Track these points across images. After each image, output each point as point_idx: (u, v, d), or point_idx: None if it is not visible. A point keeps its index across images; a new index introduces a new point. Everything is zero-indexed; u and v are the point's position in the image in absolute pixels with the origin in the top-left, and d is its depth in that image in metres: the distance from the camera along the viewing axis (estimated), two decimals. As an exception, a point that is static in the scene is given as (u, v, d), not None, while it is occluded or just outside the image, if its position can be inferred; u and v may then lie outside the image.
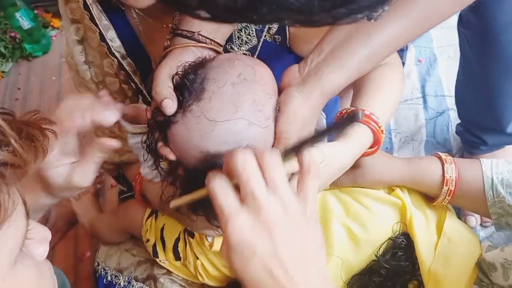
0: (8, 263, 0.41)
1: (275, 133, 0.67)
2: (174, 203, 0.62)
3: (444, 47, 1.63)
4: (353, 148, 0.74)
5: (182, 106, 0.66)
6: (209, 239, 0.92)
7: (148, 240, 1.04)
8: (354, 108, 0.78)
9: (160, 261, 1.02)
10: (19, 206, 0.42)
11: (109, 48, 0.89)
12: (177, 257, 0.99)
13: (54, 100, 1.91)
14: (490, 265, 0.80)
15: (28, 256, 0.45)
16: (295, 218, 0.51)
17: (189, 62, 0.70)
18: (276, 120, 0.67)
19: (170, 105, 0.65)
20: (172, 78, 0.69)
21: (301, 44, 0.86)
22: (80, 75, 0.98)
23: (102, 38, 0.88)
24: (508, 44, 0.98)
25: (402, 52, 1.50)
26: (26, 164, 0.42)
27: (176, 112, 0.66)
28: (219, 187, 0.52)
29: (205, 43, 0.74)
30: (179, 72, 0.69)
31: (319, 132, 0.54)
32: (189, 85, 0.67)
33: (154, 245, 1.02)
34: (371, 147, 0.77)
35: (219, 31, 0.76)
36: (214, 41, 0.75)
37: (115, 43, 0.89)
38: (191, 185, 0.67)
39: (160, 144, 0.70)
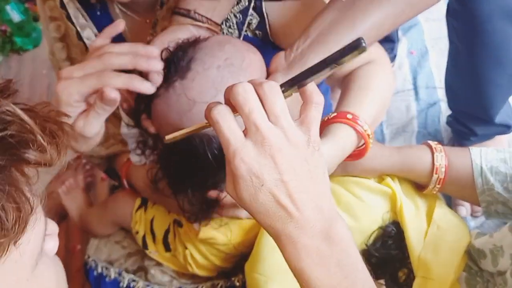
0: (30, 263, 0.41)
1: None
2: (168, 137, 0.61)
3: (435, 39, 1.63)
4: (332, 148, 0.73)
5: (166, 81, 0.67)
6: (195, 226, 0.92)
7: (137, 232, 1.03)
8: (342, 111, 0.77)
9: (149, 252, 1.02)
10: (39, 205, 0.42)
11: (86, 46, 0.89)
12: (167, 248, 0.99)
13: (45, 93, 1.90)
14: (479, 252, 0.80)
15: (45, 255, 0.45)
16: (298, 146, 0.52)
17: (182, 39, 0.71)
18: None
19: (155, 77, 0.67)
20: (161, 52, 0.69)
21: (283, 38, 0.86)
22: None
23: (79, 36, 0.88)
24: (493, 32, 0.99)
25: (393, 43, 1.50)
26: (52, 163, 0.41)
27: (160, 86, 0.68)
28: (224, 119, 0.52)
29: (201, 21, 0.74)
30: (170, 48, 0.70)
31: (317, 63, 0.53)
32: (176, 62, 0.68)
33: (144, 237, 1.02)
34: (359, 152, 0.77)
35: (216, 10, 0.76)
36: (211, 20, 0.76)
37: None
38: (171, 160, 0.68)
39: (143, 115, 0.72)
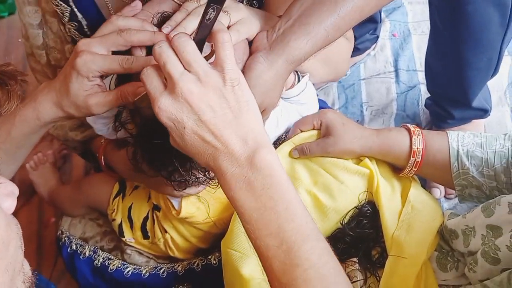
0: None
1: None
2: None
3: (419, 22, 1.63)
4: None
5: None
6: (176, 205, 0.92)
7: (114, 220, 1.02)
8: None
9: (126, 240, 1.01)
10: None
11: (68, 34, 0.87)
12: (145, 235, 0.99)
13: (20, 61, 1.85)
14: (451, 232, 0.82)
15: None
16: (214, 86, 0.57)
17: (166, 12, 0.71)
18: None
19: (138, 50, 0.70)
20: None
21: (275, 10, 0.85)
22: (36, 57, 0.95)
23: (70, 19, 0.85)
24: (475, 14, 0.99)
25: (376, 24, 1.50)
26: (0, 104, 0.46)
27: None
28: (147, 76, 0.59)
29: None
30: (155, 21, 0.71)
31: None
32: None
33: (120, 225, 1.01)
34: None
35: None
36: None
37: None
38: (149, 139, 0.68)
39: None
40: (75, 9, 0.84)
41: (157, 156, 0.74)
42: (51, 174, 1.38)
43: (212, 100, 0.57)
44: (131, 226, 1.01)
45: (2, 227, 0.45)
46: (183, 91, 0.56)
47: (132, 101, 0.71)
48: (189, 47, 0.58)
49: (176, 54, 0.58)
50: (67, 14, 0.85)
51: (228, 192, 0.58)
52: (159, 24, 0.70)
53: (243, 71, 0.68)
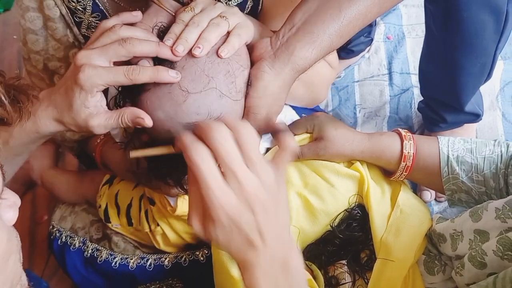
0: None
1: (244, 107, 0.67)
2: (133, 154, 0.63)
3: (413, 25, 1.64)
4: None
5: None
6: (172, 202, 0.92)
7: (100, 206, 1.03)
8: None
9: (112, 226, 1.02)
10: None
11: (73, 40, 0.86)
12: (129, 222, 1.00)
13: (15, 58, 1.84)
14: (440, 236, 0.83)
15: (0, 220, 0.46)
16: (272, 191, 0.56)
17: (162, 24, 0.69)
18: (246, 94, 0.67)
19: (145, 62, 0.66)
20: None
21: (270, 21, 0.85)
22: (33, 63, 0.95)
23: (95, 6, 0.84)
24: (469, 20, 1.00)
25: (371, 27, 1.51)
26: (12, 122, 0.45)
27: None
28: (203, 158, 0.55)
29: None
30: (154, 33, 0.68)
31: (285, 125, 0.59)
32: None
33: (106, 210, 1.02)
34: None
35: None
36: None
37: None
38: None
39: None
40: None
41: (160, 165, 0.73)
42: (47, 155, 1.34)
43: (268, 201, 0.56)
44: (118, 213, 1.01)
45: (3, 241, 0.45)
46: (250, 192, 0.55)
47: (132, 127, 0.68)
48: (257, 144, 0.57)
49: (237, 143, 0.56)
50: (89, 7, 0.84)
51: (254, 284, 0.57)
52: (157, 37, 0.68)
53: (250, 81, 0.67)
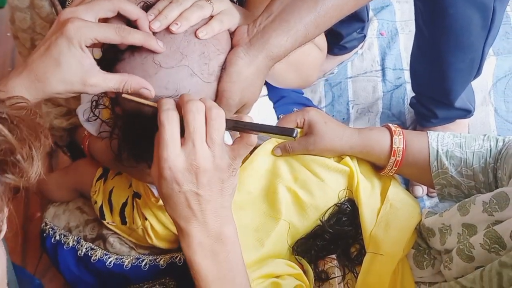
0: None
1: (217, 91, 0.69)
2: (125, 95, 0.66)
3: (406, 21, 1.65)
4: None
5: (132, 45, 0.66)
6: (155, 192, 0.93)
7: (95, 202, 1.03)
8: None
9: (107, 223, 1.02)
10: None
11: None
12: (123, 221, 0.99)
13: (8, 56, 1.84)
14: (429, 230, 0.83)
15: None
16: (221, 169, 0.63)
17: (147, 1, 0.70)
18: (220, 78, 0.68)
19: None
20: None
21: (255, 8, 0.86)
22: (21, 41, 0.95)
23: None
24: (456, 17, 1.01)
25: (363, 23, 1.51)
26: (28, 183, 0.43)
27: (125, 50, 0.67)
28: (168, 120, 0.61)
29: None
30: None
31: (254, 124, 0.63)
32: None
33: (101, 207, 1.02)
34: None
35: None
36: None
37: None
38: (129, 129, 0.68)
39: None
40: None
41: (137, 146, 0.74)
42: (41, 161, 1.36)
43: (214, 179, 0.63)
44: (111, 210, 1.01)
45: (4, 262, 0.47)
46: (199, 167, 0.61)
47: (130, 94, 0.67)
48: (222, 128, 0.62)
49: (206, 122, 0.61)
50: None
51: (192, 256, 0.65)
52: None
53: (224, 65, 0.69)
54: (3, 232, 0.44)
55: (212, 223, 0.64)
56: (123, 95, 0.66)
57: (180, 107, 0.62)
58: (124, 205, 0.99)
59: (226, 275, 0.65)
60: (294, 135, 0.60)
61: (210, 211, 0.64)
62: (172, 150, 0.60)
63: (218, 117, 0.62)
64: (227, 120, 0.63)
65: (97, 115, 0.79)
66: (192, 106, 0.61)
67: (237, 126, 0.64)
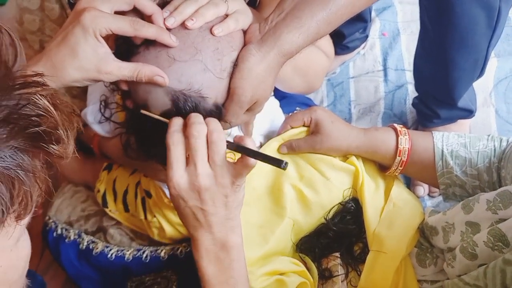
0: (17, 237, 0.47)
1: (229, 88, 0.69)
2: (144, 111, 0.69)
3: (408, 22, 1.65)
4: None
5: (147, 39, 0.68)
6: (168, 193, 0.93)
7: (98, 191, 1.03)
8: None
9: (109, 211, 1.02)
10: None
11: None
12: (126, 208, 1.00)
13: (10, 53, 1.83)
14: (432, 229, 0.84)
15: (25, 230, 0.49)
16: (223, 186, 0.67)
17: None
18: (232, 75, 0.69)
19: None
20: None
21: (267, 9, 0.86)
22: (29, 43, 0.95)
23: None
24: (462, 15, 1.01)
25: (366, 24, 1.52)
26: (68, 156, 0.45)
27: (140, 45, 0.68)
28: (174, 143, 0.66)
29: None
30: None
31: (254, 151, 0.65)
32: None
33: (104, 195, 1.02)
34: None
35: None
36: None
37: None
38: (139, 122, 0.69)
39: None
40: None
41: (148, 141, 0.75)
42: None
43: (217, 195, 0.67)
44: (115, 199, 1.02)
45: (28, 253, 0.50)
46: (201, 186, 0.66)
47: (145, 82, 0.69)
48: (223, 150, 0.66)
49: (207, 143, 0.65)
50: None
51: (199, 259, 0.70)
52: (160, 7, 0.70)
53: (236, 62, 0.69)
54: (30, 216, 0.46)
55: (217, 232, 0.69)
56: (142, 111, 0.69)
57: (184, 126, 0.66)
58: (125, 193, 1.00)
59: (228, 281, 0.70)
60: (283, 166, 0.63)
61: (215, 222, 0.68)
62: (176, 171, 0.65)
63: (219, 141, 0.65)
64: (228, 143, 0.66)
65: (107, 116, 0.79)
66: (194, 131, 0.65)
67: (237, 149, 0.67)
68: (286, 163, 0.64)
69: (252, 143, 0.67)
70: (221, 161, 0.66)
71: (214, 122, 0.67)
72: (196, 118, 0.66)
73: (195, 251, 0.70)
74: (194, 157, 0.65)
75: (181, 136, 0.66)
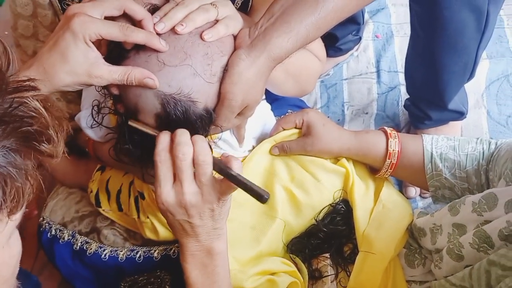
0: (9, 234, 0.48)
1: (220, 93, 0.70)
2: (132, 122, 0.70)
3: (401, 24, 1.66)
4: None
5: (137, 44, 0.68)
6: None
7: (91, 191, 1.04)
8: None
9: (103, 210, 1.03)
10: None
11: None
12: (119, 208, 1.01)
13: (5, 54, 1.83)
14: (420, 230, 0.85)
15: (15, 228, 0.50)
16: (209, 202, 0.69)
17: (155, 4, 0.72)
18: (222, 79, 0.69)
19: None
20: None
21: (257, 15, 0.87)
22: (23, 48, 0.96)
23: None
24: (451, 19, 1.02)
25: (359, 26, 1.53)
26: (58, 156, 0.48)
27: (130, 49, 0.69)
28: (162, 162, 0.68)
29: None
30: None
31: (237, 179, 0.66)
32: None
33: (97, 195, 1.03)
34: None
35: None
36: None
37: None
38: (128, 132, 0.70)
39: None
40: None
41: (137, 147, 0.76)
42: None
43: (204, 211, 0.70)
44: (108, 198, 1.02)
45: (19, 251, 0.51)
46: (187, 204, 0.68)
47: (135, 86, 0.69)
48: (209, 171, 0.67)
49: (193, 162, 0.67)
50: None
51: (184, 263, 0.74)
52: (150, 13, 0.71)
53: (227, 67, 0.70)
54: (22, 212, 0.48)
55: (204, 240, 0.72)
56: (129, 122, 0.70)
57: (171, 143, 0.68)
58: (119, 192, 1.00)
59: (212, 285, 0.74)
60: (263, 200, 0.65)
61: (202, 232, 0.72)
62: (164, 188, 0.68)
63: (205, 164, 0.67)
64: (214, 163, 0.68)
65: (99, 121, 0.80)
66: (179, 153, 0.66)
67: (222, 173, 0.68)
68: (268, 196, 0.65)
69: (238, 166, 0.68)
70: (208, 181, 0.68)
71: (200, 142, 0.68)
72: (181, 137, 0.67)
73: (181, 255, 0.73)
74: (180, 176, 0.67)
75: (168, 154, 0.67)
